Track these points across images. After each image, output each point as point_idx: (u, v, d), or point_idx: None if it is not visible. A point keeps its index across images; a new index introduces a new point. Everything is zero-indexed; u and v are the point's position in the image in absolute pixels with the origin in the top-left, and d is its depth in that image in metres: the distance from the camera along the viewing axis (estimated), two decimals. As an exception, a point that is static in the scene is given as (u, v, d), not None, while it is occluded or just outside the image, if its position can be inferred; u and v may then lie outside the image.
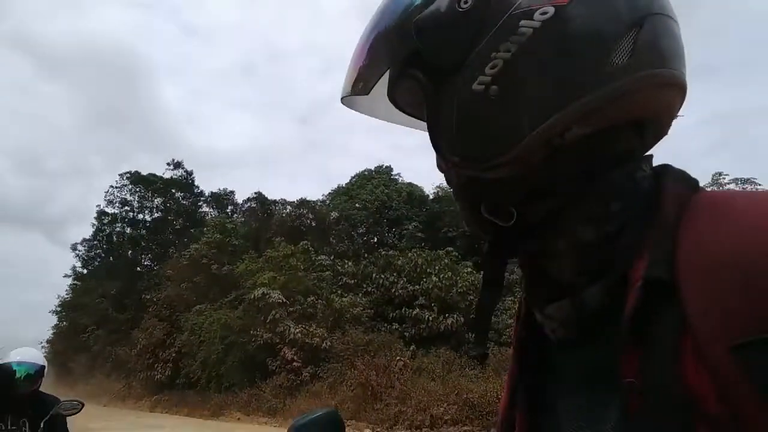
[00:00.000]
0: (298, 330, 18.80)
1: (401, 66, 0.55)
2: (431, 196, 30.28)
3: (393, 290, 19.85)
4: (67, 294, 37.42)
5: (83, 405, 3.20)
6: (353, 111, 0.70)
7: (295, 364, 18.26)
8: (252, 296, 20.17)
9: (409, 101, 0.62)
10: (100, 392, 26.01)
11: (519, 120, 0.49)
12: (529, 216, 0.53)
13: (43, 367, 3.28)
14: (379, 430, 12.57)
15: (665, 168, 0.54)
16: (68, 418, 3.27)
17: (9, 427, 3.08)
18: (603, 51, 0.49)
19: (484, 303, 0.60)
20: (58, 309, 37.49)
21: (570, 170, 0.52)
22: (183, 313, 23.89)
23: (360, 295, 20.37)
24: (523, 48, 0.49)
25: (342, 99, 0.66)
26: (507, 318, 16.20)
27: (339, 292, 21.69)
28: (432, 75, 0.53)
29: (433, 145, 0.55)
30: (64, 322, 36.49)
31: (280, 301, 19.79)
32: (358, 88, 0.61)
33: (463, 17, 0.51)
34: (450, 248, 22.42)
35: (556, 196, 0.53)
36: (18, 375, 3.14)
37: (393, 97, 0.61)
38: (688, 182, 0.53)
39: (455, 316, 17.67)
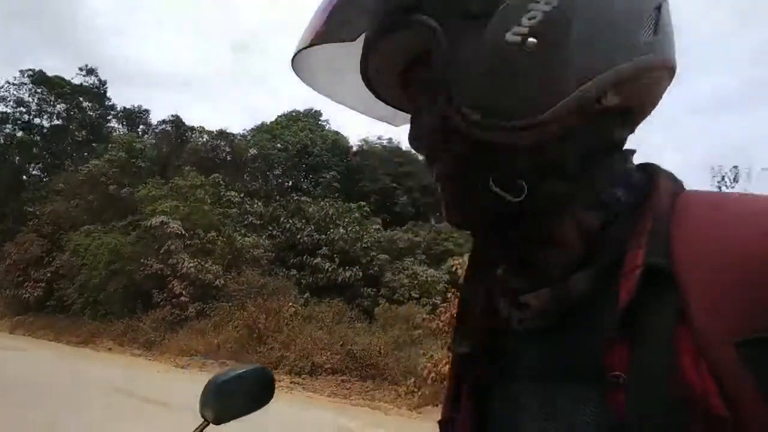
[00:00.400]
0: (192, 264, 18.08)
1: (402, 11, 0.49)
2: (354, 148, 29.94)
3: (298, 236, 19.74)
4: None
5: None
6: (300, 80, 0.61)
7: (182, 298, 17.56)
8: (149, 223, 19.10)
9: (388, 70, 0.55)
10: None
11: (558, 79, 0.46)
12: (538, 194, 0.50)
13: None
14: (259, 372, 12.42)
15: (653, 165, 0.55)
16: None
17: None
18: (637, 21, 0.48)
19: (473, 297, 0.59)
20: None
21: (582, 147, 0.50)
22: (68, 232, 22.12)
23: (264, 237, 20.10)
24: (565, 1, 0.45)
25: (296, 54, 0.56)
26: (403, 278, 16.99)
27: (243, 231, 21.10)
28: (448, 22, 0.47)
29: (443, 103, 0.49)
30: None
31: (179, 232, 18.94)
32: (332, 32, 0.53)
33: None
34: (363, 203, 22.33)
35: (565, 175, 0.50)
36: None
37: (370, 60, 0.53)
38: (676, 181, 0.53)
39: (355, 269, 17.75)
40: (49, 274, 20.65)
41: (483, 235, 0.56)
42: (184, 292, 17.75)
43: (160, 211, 19.60)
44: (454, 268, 14.77)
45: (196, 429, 1.01)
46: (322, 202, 21.32)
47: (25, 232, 23.31)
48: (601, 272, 0.48)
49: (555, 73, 0.45)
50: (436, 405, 8.77)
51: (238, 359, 13.57)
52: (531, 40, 0.45)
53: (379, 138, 31.72)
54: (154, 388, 10.33)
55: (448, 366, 0.60)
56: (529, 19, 0.45)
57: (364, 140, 31.47)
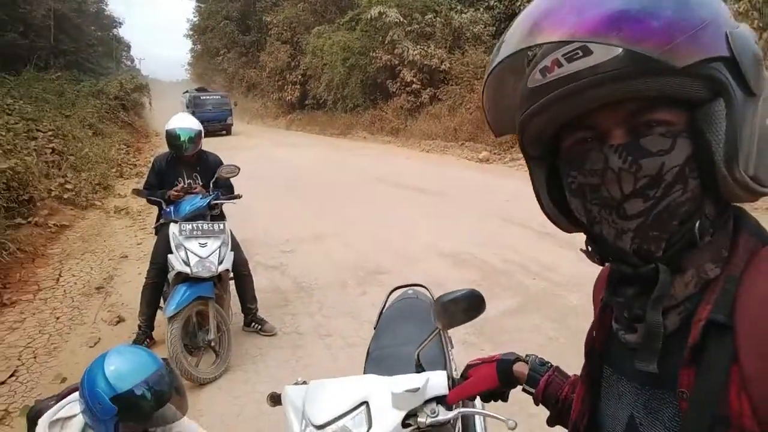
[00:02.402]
0: (416, 51, 18.58)
1: (709, 57, 0.54)
2: None
3: (518, 3, 18.10)
4: (194, 17, 38.99)
5: (239, 169, 3.68)
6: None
7: (414, 86, 18.61)
8: (369, 16, 19.71)
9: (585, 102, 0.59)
10: (240, 111, 29.01)
11: None
12: (713, 237, 0.61)
13: (200, 131, 3.70)
14: (495, 151, 13.16)
15: (742, 215, 0.64)
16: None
17: (186, 182, 3.70)
18: None
19: (602, 316, 0.75)
20: (190, 33, 39.70)
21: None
22: (303, 35, 24.24)
23: (481, 10, 18.88)
24: None
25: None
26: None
27: (458, 8, 20.32)
28: (735, 87, 0.55)
29: (725, 158, 0.55)
30: (198, 45, 39.02)
31: (398, 20, 19.18)
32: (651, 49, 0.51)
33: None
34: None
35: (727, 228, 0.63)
36: (182, 138, 3.61)
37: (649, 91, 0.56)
38: (759, 234, 0.62)
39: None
40: (300, 77, 23.64)
41: (634, 264, 0.61)
42: (414, 79, 18.74)
43: (375, 2, 19.90)
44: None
45: (432, 333, 1.30)
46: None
47: (270, 41, 26.41)
48: (686, 315, 0.60)
49: None
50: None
51: (475, 140, 14.56)
52: None
53: None
54: (414, 176, 11.88)
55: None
56: None
57: None
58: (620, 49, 0.53)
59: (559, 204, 0.70)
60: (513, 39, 0.59)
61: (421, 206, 8.14)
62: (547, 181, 0.71)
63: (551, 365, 1.01)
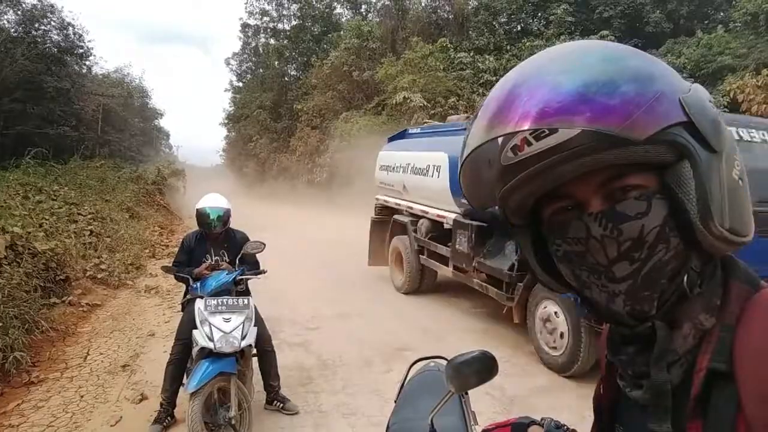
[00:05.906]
0: (441, 132, 19.17)
1: (668, 125, 0.56)
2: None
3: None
4: (230, 106, 41.41)
5: (264, 245, 3.77)
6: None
7: (440, 166, 19.03)
8: (394, 101, 20.61)
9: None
10: (271, 193, 29.90)
11: (750, 212, 0.62)
12: (702, 288, 0.62)
13: (228, 209, 3.83)
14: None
15: (731, 263, 0.64)
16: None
17: (213, 258, 3.79)
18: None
19: (607, 376, 0.75)
20: (226, 121, 42.04)
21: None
22: (332, 120, 25.32)
23: (502, 93, 19.58)
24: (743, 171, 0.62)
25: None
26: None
27: (480, 91, 21.15)
28: (698, 148, 0.57)
29: (700, 215, 0.57)
30: (232, 132, 41.11)
31: (422, 104, 20.00)
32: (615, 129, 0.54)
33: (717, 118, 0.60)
34: (606, 32, 20.00)
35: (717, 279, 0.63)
36: (212, 217, 3.75)
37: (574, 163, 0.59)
38: (750, 281, 0.62)
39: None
40: (328, 159, 24.44)
41: (631, 325, 0.62)
42: (439, 159, 19.25)
43: (400, 88, 20.82)
44: (730, 92, 12.71)
45: (445, 396, 1.26)
46: (557, 42, 19.66)
47: (301, 127, 27.66)
48: (688, 367, 0.60)
49: (748, 204, 0.62)
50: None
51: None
52: (741, 180, 0.60)
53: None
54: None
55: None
56: (737, 167, 0.60)
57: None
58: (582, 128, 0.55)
59: (549, 267, 0.70)
60: (479, 130, 0.61)
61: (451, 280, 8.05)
62: (534, 246, 0.72)
63: (568, 428, 0.97)
